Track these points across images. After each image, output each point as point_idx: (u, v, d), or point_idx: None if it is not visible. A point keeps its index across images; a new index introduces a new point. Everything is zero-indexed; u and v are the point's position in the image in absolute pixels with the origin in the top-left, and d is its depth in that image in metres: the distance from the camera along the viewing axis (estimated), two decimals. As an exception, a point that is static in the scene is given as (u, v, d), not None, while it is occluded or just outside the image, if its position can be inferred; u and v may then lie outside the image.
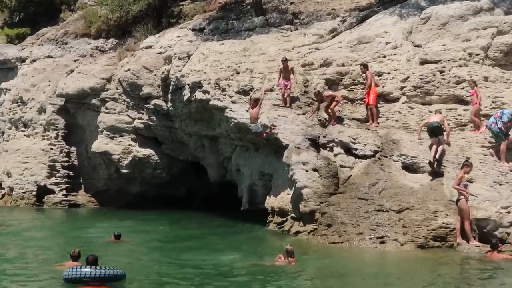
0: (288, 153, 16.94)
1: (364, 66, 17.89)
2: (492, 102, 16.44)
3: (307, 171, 16.37)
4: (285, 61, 18.36)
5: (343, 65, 18.92)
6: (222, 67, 20.05)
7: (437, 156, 15.33)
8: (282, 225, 17.38)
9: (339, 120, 17.56)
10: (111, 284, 10.00)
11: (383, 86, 17.97)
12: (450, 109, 17.14)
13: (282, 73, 18.39)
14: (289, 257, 11.96)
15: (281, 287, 10.84)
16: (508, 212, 14.10)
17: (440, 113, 16.48)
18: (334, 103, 17.51)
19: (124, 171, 24.87)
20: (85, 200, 26.06)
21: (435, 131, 15.49)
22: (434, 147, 15.47)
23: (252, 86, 19.00)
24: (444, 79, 17.35)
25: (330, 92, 17.90)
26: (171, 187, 25.92)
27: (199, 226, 19.72)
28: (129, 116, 24.62)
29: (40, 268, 11.83)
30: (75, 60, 27.41)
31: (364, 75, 17.92)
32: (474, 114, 16.25)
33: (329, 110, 17.52)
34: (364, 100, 18.02)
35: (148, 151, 24.86)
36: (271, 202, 18.31)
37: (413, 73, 17.72)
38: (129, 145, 24.77)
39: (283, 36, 21.78)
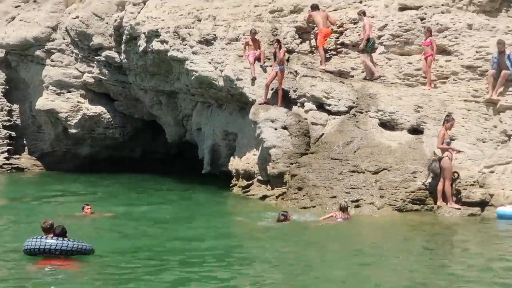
0: (255, 110, 16.82)
1: (312, 8, 17.79)
2: (476, 52, 16.27)
3: (275, 129, 16.29)
4: (254, 33, 17.68)
5: (315, 12, 18.70)
6: (182, 13, 19.74)
7: None
8: (248, 189, 17.40)
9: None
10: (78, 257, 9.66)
11: (358, 35, 17.76)
12: (431, 61, 17.09)
13: (249, 46, 17.71)
14: (344, 212, 13.08)
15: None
16: (492, 172, 14.11)
17: None
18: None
19: (73, 131, 24.80)
20: (29, 164, 26.07)
21: None
22: None
23: (215, 35, 18.74)
24: (425, 27, 17.05)
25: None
26: (125, 148, 26.00)
27: (155, 191, 19.60)
28: (77, 69, 24.46)
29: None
30: (16, 6, 26.89)
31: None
32: (429, 66, 16.14)
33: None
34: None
35: (99, 109, 24.83)
36: (235, 163, 18.33)
37: (392, 20, 17.48)
38: (78, 102, 24.66)
39: (250, -21, 21.41)
